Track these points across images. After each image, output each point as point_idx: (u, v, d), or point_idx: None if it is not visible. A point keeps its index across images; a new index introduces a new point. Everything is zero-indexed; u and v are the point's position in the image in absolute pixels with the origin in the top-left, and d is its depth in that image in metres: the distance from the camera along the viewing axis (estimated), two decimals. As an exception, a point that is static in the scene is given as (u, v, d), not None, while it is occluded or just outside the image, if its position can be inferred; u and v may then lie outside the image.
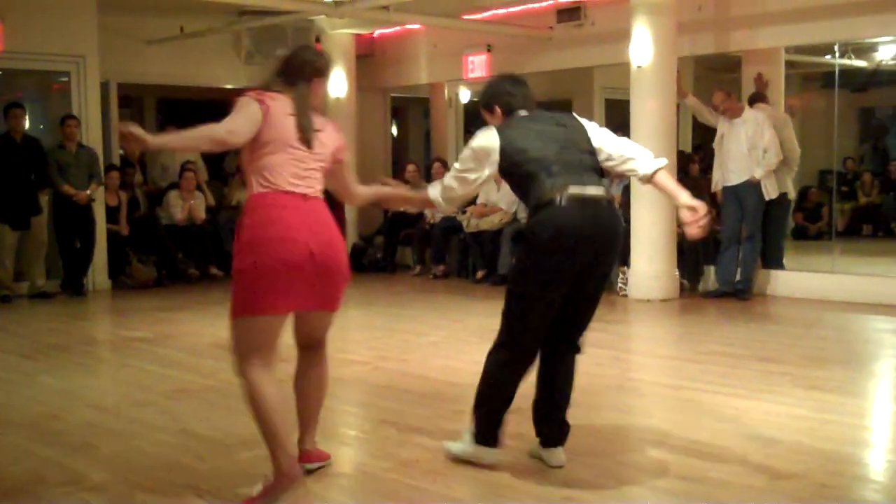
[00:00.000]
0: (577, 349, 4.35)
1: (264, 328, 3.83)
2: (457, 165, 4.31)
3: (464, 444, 4.34)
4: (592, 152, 4.20)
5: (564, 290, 4.05)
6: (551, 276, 3.99)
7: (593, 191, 4.04)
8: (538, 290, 4.03)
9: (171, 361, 6.93)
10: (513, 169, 4.17)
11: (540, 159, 4.08)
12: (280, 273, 3.77)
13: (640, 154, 4.26)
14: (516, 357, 4.19)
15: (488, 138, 4.21)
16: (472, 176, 4.25)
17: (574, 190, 3.98)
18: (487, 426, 4.27)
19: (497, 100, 4.39)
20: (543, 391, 4.34)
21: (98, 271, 10.94)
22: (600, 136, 4.27)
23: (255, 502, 3.84)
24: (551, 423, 4.33)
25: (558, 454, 4.30)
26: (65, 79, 10.95)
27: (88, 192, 10.46)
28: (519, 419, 5.02)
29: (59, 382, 6.31)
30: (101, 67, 11.02)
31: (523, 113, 4.32)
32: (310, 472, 4.17)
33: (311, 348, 4.21)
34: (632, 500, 3.95)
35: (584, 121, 4.35)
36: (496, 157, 4.15)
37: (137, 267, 11.16)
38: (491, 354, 4.25)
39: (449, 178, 4.35)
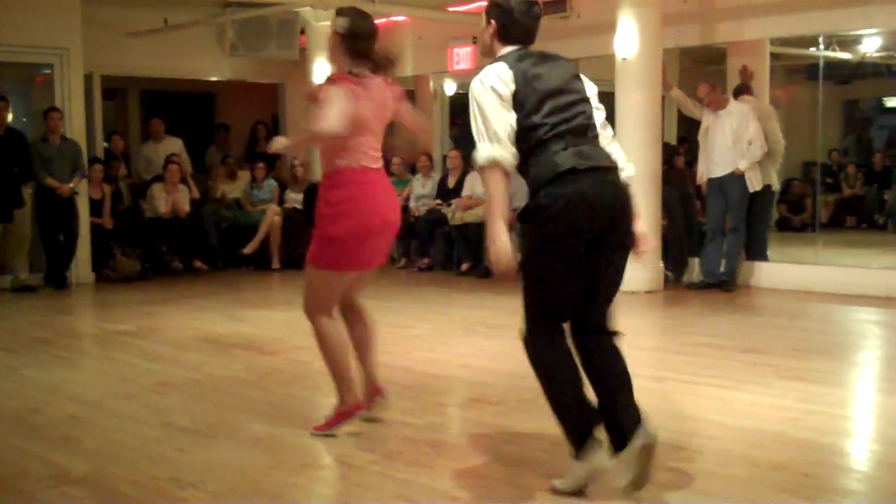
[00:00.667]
0: (613, 333, 3.94)
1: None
2: (483, 129, 3.72)
3: (568, 475, 3.88)
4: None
5: (580, 265, 3.75)
6: (564, 249, 3.69)
7: (605, 162, 3.79)
8: (554, 266, 3.72)
9: (154, 355, 6.90)
10: (521, 127, 3.75)
11: (555, 124, 3.74)
12: None
13: (618, 149, 3.97)
14: (549, 330, 3.82)
15: (500, 72, 3.76)
16: (508, 121, 3.72)
17: (586, 164, 3.71)
18: (577, 431, 3.82)
19: (498, 15, 3.95)
20: (602, 396, 3.88)
21: (81, 264, 10.89)
22: (597, 113, 3.95)
23: (324, 428, 4.66)
24: (622, 424, 3.80)
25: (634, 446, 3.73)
26: (48, 71, 10.90)
27: (72, 185, 10.42)
28: (501, 409, 5.03)
29: (42, 376, 6.28)
30: (84, 60, 10.96)
31: (529, 52, 3.92)
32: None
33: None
34: (616, 491, 3.95)
35: (585, 80, 4.01)
36: (509, 96, 3.73)
37: (121, 260, 11.13)
38: (527, 349, 3.87)
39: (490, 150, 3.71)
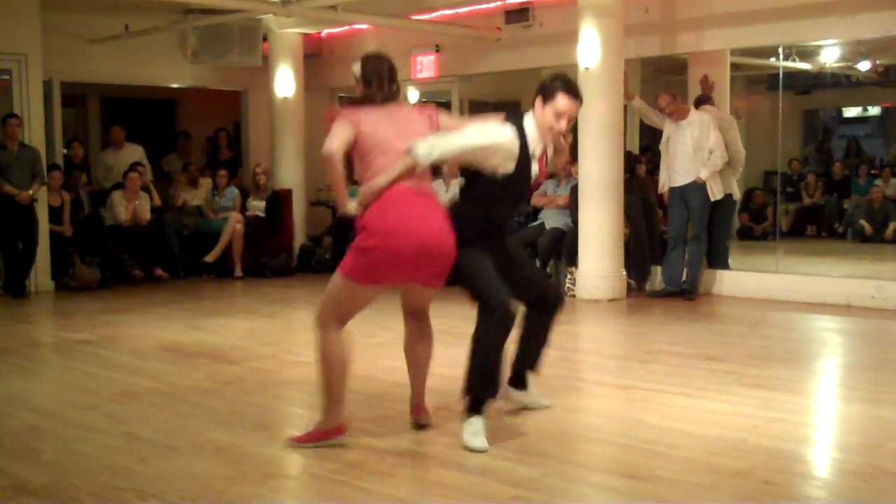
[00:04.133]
0: None
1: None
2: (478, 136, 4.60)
3: None
4: None
5: None
6: None
7: None
8: None
9: (115, 364, 6.83)
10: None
11: None
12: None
13: None
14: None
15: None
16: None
17: None
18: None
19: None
20: None
21: (41, 273, 10.76)
22: None
23: (301, 440, 4.62)
24: None
25: None
26: (6, 77, 10.75)
27: (31, 192, 10.30)
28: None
29: (1, 386, 6.19)
30: (43, 66, 10.85)
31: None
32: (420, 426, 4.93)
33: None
34: (579, 499, 3.97)
35: None
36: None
37: (81, 268, 11.01)
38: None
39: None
